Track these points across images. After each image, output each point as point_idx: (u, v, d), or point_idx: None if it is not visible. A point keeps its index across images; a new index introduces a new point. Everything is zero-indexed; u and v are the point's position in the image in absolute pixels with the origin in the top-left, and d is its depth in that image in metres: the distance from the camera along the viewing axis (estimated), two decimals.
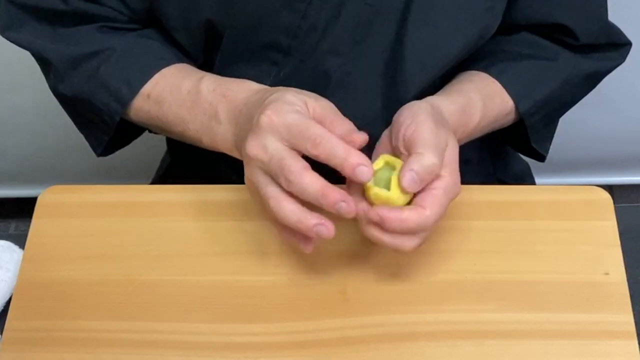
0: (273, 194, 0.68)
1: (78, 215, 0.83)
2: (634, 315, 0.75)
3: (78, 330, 0.76)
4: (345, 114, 0.83)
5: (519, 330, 0.75)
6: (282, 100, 0.70)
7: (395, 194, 0.70)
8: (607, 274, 0.78)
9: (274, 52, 0.83)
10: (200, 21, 0.83)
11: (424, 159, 0.69)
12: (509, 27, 0.89)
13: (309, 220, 0.67)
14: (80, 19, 0.85)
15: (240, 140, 0.74)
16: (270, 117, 0.69)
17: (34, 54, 0.88)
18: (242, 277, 0.78)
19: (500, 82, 0.86)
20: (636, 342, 0.74)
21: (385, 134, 0.77)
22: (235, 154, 0.78)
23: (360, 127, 0.79)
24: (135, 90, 0.83)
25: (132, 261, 0.80)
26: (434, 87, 0.86)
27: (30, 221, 0.83)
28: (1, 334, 0.77)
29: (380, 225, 0.69)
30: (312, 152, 0.68)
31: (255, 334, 0.75)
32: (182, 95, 0.81)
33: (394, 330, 0.75)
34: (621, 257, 0.79)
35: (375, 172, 0.71)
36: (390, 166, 0.72)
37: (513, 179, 1.05)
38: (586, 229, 0.81)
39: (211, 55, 0.86)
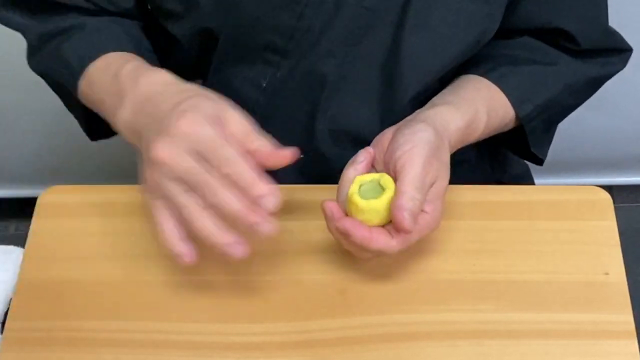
0: (187, 203, 0.67)
1: (78, 215, 0.83)
2: (634, 315, 0.75)
3: (78, 330, 0.76)
4: (340, 117, 0.83)
5: (519, 330, 0.75)
6: (200, 109, 0.68)
7: (377, 216, 0.72)
8: (607, 274, 0.78)
9: (270, 53, 0.83)
10: (198, 24, 0.83)
11: (415, 200, 0.71)
12: (509, 31, 0.88)
13: (221, 238, 0.66)
14: (60, 8, 0.85)
15: (141, 132, 0.71)
16: (184, 125, 0.66)
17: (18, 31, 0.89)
18: (242, 277, 0.78)
19: (501, 87, 0.86)
20: (636, 342, 0.74)
21: (386, 136, 0.77)
22: (132, 140, 0.75)
23: (355, 130, 0.79)
24: (84, 65, 0.81)
25: (132, 261, 0.80)
26: (431, 90, 0.86)
27: (30, 221, 0.83)
28: (1, 334, 0.77)
29: (344, 235, 0.71)
30: (221, 171, 0.66)
31: (255, 334, 0.75)
32: (108, 77, 0.79)
33: (394, 330, 0.75)
34: (621, 257, 0.79)
35: (363, 184, 0.73)
36: (376, 181, 0.74)
37: (512, 180, 1.05)
38: (586, 229, 0.81)
39: (207, 55, 0.86)
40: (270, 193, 0.66)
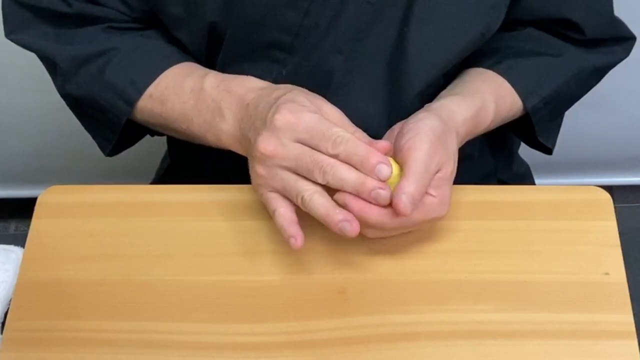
0: (306, 187, 0.71)
1: (78, 215, 0.83)
2: (634, 315, 0.75)
3: (78, 330, 0.76)
4: (347, 112, 0.84)
5: (519, 330, 0.75)
6: (297, 101, 0.72)
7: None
8: (607, 274, 0.78)
9: (276, 51, 0.83)
10: (204, 24, 0.83)
11: (417, 184, 0.71)
12: (514, 23, 0.89)
13: (337, 215, 0.70)
14: (83, 20, 0.86)
15: (247, 136, 0.75)
16: (286, 116, 0.71)
17: (40, 56, 0.89)
18: (242, 277, 0.78)
19: (508, 79, 0.87)
20: (636, 342, 0.74)
21: (395, 129, 0.78)
22: (238, 149, 0.79)
23: (361, 125, 0.80)
24: (140, 90, 0.84)
25: (132, 261, 0.80)
26: (437, 85, 0.86)
27: (30, 221, 0.83)
28: (1, 334, 0.77)
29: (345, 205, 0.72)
30: (332, 151, 0.70)
31: (255, 334, 0.75)
32: (185, 93, 0.82)
33: (394, 330, 0.75)
34: (621, 257, 0.79)
35: None
36: None
37: (513, 179, 1.05)
38: (586, 229, 0.81)
39: (213, 54, 0.86)
40: (384, 161, 0.70)
